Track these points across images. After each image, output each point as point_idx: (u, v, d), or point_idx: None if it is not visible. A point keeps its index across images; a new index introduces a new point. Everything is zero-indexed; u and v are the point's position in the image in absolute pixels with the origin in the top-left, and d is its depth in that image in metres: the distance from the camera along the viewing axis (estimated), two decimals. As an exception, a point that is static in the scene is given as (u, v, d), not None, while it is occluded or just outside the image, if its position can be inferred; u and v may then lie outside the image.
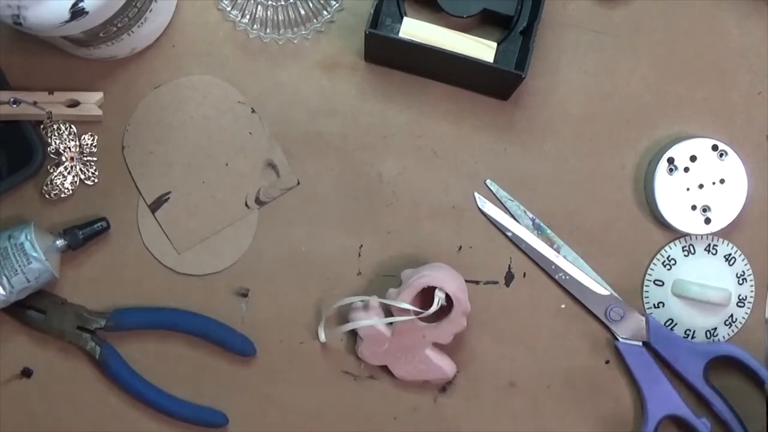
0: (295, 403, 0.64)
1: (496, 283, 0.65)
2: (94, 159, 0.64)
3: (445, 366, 0.62)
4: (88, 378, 0.64)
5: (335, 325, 0.64)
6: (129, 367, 0.63)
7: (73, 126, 0.64)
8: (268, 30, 0.64)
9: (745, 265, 0.65)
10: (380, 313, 0.62)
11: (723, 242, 0.65)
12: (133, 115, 0.65)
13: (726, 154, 0.64)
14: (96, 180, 0.64)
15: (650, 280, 0.65)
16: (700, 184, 0.64)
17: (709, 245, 0.65)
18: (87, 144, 0.64)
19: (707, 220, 0.63)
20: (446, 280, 0.60)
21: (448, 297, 0.60)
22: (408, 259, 0.65)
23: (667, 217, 0.63)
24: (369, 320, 0.61)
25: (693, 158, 0.64)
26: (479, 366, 0.65)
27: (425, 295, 0.60)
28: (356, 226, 0.65)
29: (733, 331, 0.65)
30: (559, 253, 0.65)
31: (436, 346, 0.62)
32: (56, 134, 0.63)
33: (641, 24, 0.66)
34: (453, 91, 0.65)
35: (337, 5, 0.64)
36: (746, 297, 0.65)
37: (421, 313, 0.60)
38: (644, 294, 0.65)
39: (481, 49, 0.62)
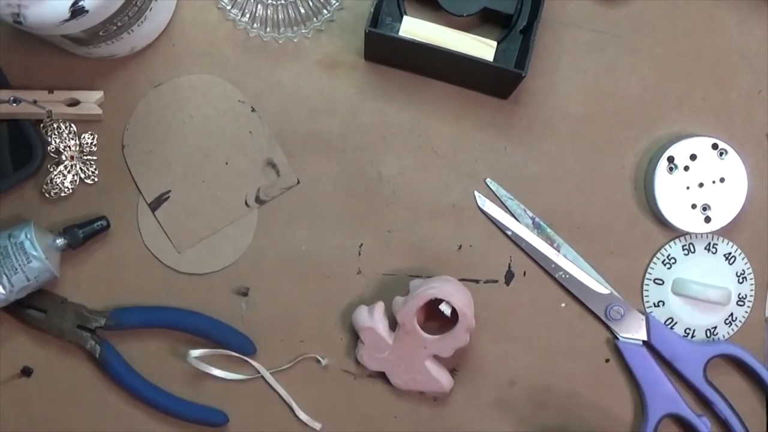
0: (295, 401, 0.64)
1: (496, 281, 0.65)
2: (94, 158, 0.64)
3: (443, 379, 0.62)
4: (88, 377, 0.64)
5: (338, 326, 0.64)
6: (129, 366, 0.63)
7: (73, 125, 0.64)
8: (267, 29, 0.64)
9: (745, 263, 0.65)
10: (384, 319, 0.62)
11: (723, 241, 0.65)
12: (132, 114, 0.65)
13: (726, 152, 0.64)
14: (96, 179, 0.64)
15: (650, 279, 0.65)
16: (700, 183, 0.64)
17: (709, 244, 0.65)
18: (87, 143, 0.64)
19: (707, 219, 0.63)
20: (454, 294, 0.60)
21: (453, 311, 0.60)
22: (408, 259, 0.65)
23: (667, 215, 0.63)
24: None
25: (693, 157, 0.64)
26: (479, 365, 0.65)
27: (431, 307, 0.60)
28: (356, 225, 0.65)
29: (733, 329, 0.65)
30: (559, 251, 0.65)
31: (436, 359, 0.62)
32: (56, 133, 0.63)
33: (641, 23, 0.66)
34: (453, 90, 0.65)
35: (337, 4, 0.64)
36: (746, 296, 0.65)
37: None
38: (644, 293, 0.65)
39: (481, 47, 0.62)
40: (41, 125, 0.63)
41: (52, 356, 0.64)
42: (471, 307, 0.60)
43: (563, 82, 0.66)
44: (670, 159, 0.63)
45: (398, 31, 0.63)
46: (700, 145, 0.64)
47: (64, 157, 0.63)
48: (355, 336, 0.63)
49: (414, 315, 0.60)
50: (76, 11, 0.53)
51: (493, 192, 0.65)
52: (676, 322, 0.65)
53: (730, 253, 0.65)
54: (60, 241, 0.61)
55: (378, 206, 0.65)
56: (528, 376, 0.65)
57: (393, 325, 0.62)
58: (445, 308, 0.60)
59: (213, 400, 0.64)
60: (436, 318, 0.61)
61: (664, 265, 0.65)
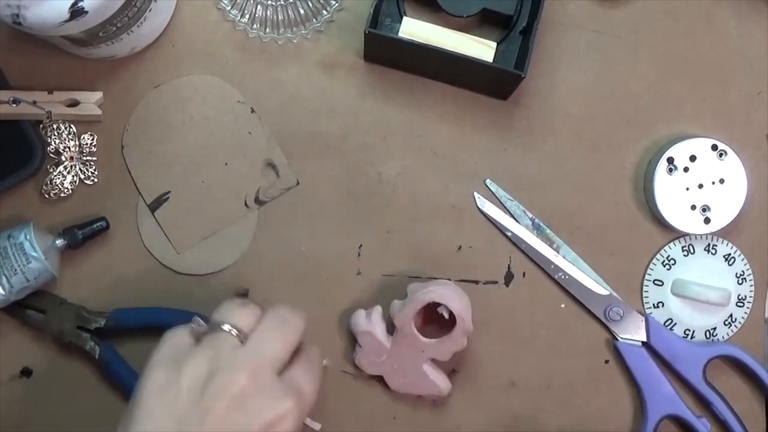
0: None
1: (495, 282, 0.65)
2: (94, 159, 0.64)
3: (441, 383, 0.62)
4: (88, 378, 0.64)
5: (338, 327, 0.64)
6: (128, 366, 0.63)
7: (72, 125, 0.64)
8: (267, 30, 0.64)
9: (745, 264, 0.65)
10: (382, 323, 0.62)
11: (722, 242, 0.65)
12: (132, 114, 0.65)
13: (725, 153, 0.64)
14: (95, 180, 0.64)
15: (650, 280, 0.65)
16: (700, 184, 0.64)
17: (709, 245, 0.65)
18: (86, 144, 0.64)
19: (707, 220, 0.63)
20: (452, 298, 0.60)
21: (451, 315, 0.60)
22: (408, 260, 0.65)
23: (667, 216, 0.63)
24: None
25: (693, 158, 0.64)
26: (479, 366, 0.65)
27: (429, 311, 0.60)
28: (356, 226, 0.65)
29: (732, 330, 0.65)
30: (558, 252, 0.65)
31: (434, 362, 0.62)
32: (56, 134, 0.63)
33: (641, 24, 0.66)
34: (453, 90, 0.65)
35: (336, 5, 0.64)
36: (746, 297, 0.65)
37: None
38: (644, 294, 0.65)
39: (481, 48, 0.62)
40: (41, 126, 0.63)
41: (51, 357, 0.64)
42: (469, 311, 0.60)
43: (563, 82, 0.66)
44: (670, 160, 0.63)
45: (398, 31, 0.63)
46: (700, 146, 0.64)
47: (63, 158, 0.63)
48: (354, 337, 0.63)
49: (412, 319, 0.60)
50: (76, 12, 0.53)
51: (493, 193, 0.65)
52: (675, 323, 0.65)
53: (729, 254, 0.65)
54: (59, 242, 0.61)
55: (378, 207, 0.65)
56: (527, 377, 0.65)
57: (391, 329, 0.62)
58: (442, 311, 0.60)
59: (212, 401, 0.64)
60: (434, 322, 0.61)
61: (664, 266, 0.65)
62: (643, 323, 0.64)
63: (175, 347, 0.50)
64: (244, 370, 0.48)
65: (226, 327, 0.50)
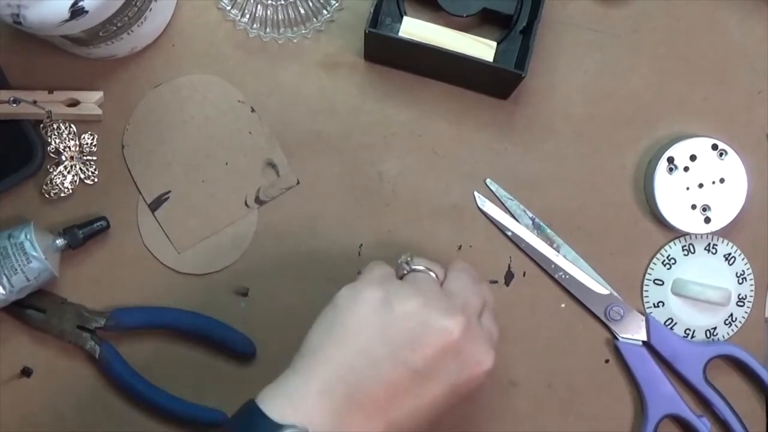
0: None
1: (495, 282, 0.65)
2: (94, 158, 0.64)
3: None
4: (88, 377, 0.64)
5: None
6: (129, 366, 0.63)
7: (72, 125, 0.64)
8: (267, 29, 0.64)
9: (745, 264, 0.65)
10: None
11: (723, 241, 0.65)
12: (132, 114, 0.65)
13: (726, 153, 0.64)
14: (96, 179, 0.64)
15: (650, 280, 0.65)
16: (700, 184, 0.64)
17: (709, 244, 0.65)
18: (87, 143, 0.64)
19: (707, 220, 0.63)
20: None
21: None
22: (408, 259, 0.65)
23: (667, 216, 0.63)
24: None
25: (693, 157, 0.64)
26: (479, 365, 0.65)
27: None
28: (356, 226, 0.65)
29: (732, 330, 0.65)
30: (558, 252, 0.65)
31: None
32: (56, 133, 0.63)
33: (641, 23, 0.66)
34: (453, 90, 0.65)
35: (336, 4, 0.64)
36: (746, 296, 0.65)
37: None
38: (644, 293, 0.65)
39: (481, 48, 0.62)
40: (41, 126, 0.63)
41: (51, 357, 0.64)
42: None
43: (563, 82, 0.66)
44: (670, 159, 0.63)
45: (398, 31, 0.63)
46: (700, 145, 0.64)
47: (63, 158, 0.63)
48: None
49: None
50: (76, 12, 0.53)
51: (493, 192, 0.65)
52: (675, 323, 0.65)
53: (729, 254, 0.65)
54: (60, 242, 0.61)
55: (378, 206, 0.65)
56: (528, 377, 0.65)
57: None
58: None
59: (213, 400, 0.64)
60: None
61: (664, 265, 0.65)
62: (644, 323, 0.64)
63: (383, 276, 0.52)
64: (458, 321, 0.49)
65: (431, 274, 0.52)
